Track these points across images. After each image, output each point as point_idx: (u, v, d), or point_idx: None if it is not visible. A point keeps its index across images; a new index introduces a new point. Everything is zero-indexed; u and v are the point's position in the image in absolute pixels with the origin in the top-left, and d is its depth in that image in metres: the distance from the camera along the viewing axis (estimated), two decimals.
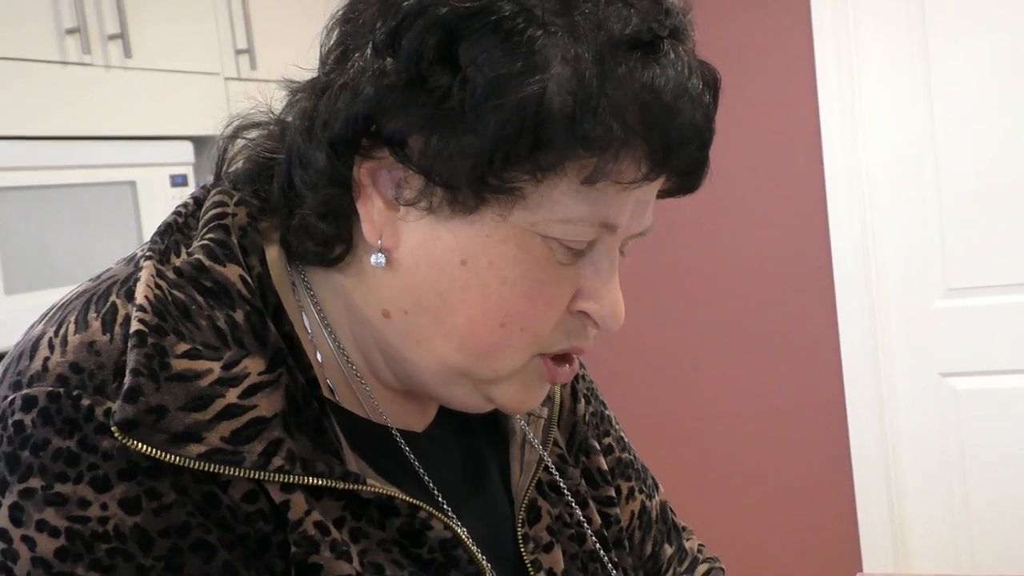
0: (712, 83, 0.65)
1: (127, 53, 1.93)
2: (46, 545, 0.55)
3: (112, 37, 1.91)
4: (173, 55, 2.07)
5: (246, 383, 0.59)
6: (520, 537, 0.72)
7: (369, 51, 0.62)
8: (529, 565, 0.72)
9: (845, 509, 2.85)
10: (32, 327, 0.63)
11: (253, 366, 0.60)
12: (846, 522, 2.85)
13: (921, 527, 2.84)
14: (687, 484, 2.96)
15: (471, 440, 0.75)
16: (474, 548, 0.66)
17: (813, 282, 2.87)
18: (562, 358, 0.67)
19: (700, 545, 0.91)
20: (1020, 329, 2.73)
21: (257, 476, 0.58)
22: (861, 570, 2.77)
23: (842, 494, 2.85)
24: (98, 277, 0.64)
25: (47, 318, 0.62)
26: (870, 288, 2.81)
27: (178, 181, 2.04)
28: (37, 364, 0.58)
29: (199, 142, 2.10)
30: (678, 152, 0.62)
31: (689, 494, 2.99)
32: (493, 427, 0.77)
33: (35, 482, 0.56)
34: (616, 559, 0.78)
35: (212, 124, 0.74)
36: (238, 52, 2.21)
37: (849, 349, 2.84)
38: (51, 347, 0.59)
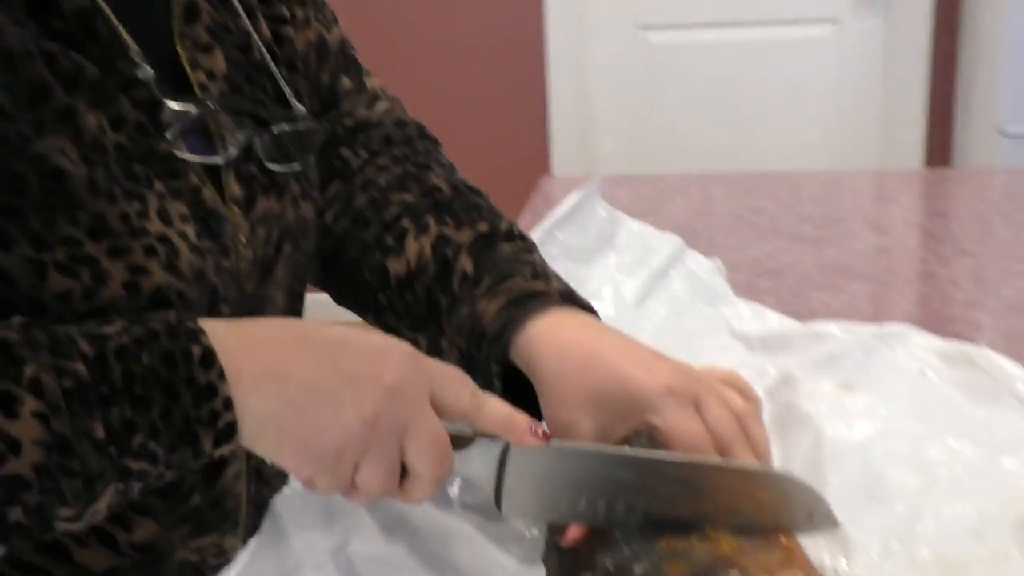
0: None
1: None
2: None
3: None
4: None
5: None
6: (176, 33, 0.65)
7: None
8: (186, 64, 0.65)
9: (538, 137, 3.05)
10: None
11: None
12: (540, 145, 3.06)
13: (609, 137, 3.04)
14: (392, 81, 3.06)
15: None
16: (118, 26, 0.59)
17: None
18: None
19: (381, 87, 0.88)
20: None
21: None
22: (550, 172, 3.01)
23: (536, 115, 3.03)
24: None
25: None
26: None
27: None
28: None
29: None
30: None
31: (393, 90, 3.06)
32: None
33: None
34: (287, 76, 0.73)
35: None
36: None
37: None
38: None
